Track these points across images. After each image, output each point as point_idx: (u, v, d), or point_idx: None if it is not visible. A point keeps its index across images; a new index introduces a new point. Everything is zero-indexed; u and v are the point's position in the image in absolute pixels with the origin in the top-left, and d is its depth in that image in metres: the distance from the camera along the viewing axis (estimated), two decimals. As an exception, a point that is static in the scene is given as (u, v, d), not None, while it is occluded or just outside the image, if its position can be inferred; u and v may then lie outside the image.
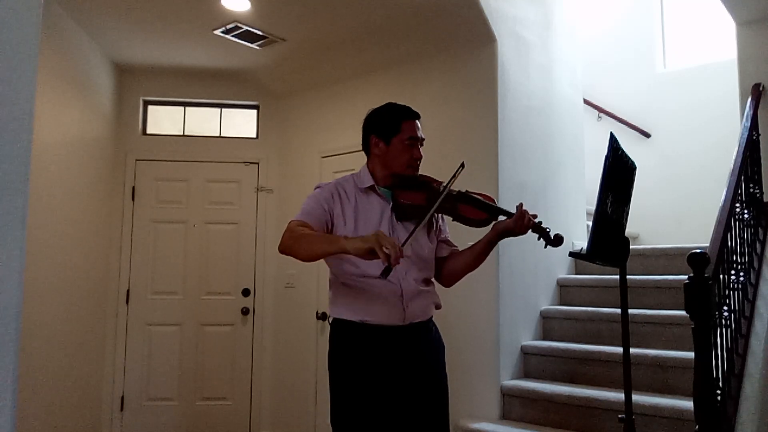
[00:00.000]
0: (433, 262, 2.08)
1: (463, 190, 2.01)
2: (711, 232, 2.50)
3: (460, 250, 2.12)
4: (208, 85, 4.45)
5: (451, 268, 2.10)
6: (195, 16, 3.48)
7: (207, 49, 3.94)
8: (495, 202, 2.04)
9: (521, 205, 1.95)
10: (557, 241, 1.95)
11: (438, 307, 2.08)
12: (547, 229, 1.96)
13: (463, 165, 1.93)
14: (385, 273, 1.61)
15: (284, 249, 1.83)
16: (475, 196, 2.02)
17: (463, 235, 2.20)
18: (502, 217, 1.99)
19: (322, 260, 1.88)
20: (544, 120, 3.83)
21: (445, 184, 1.94)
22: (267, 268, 4.41)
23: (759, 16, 3.61)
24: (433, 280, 2.10)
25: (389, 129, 2.01)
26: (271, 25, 3.57)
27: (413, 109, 2.07)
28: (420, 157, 2.03)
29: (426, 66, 3.69)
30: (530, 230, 1.95)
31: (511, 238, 2.01)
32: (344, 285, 1.97)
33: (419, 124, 2.04)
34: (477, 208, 2.00)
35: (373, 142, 2.03)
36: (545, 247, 1.97)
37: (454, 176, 1.91)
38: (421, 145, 2.04)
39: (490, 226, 2.00)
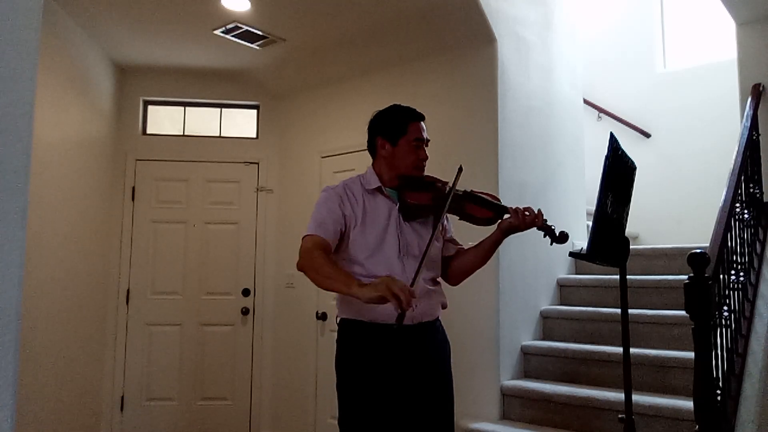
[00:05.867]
0: (439, 261, 2.09)
1: (468, 190, 2.04)
2: (711, 232, 2.50)
3: (465, 248, 2.13)
4: (208, 85, 4.45)
5: (458, 266, 2.12)
6: (195, 16, 3.48)
7: (207, 49, 3.94)
8: (500, 201, 2.06)
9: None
10: (562, 238, 1.95)
11: (444, 306, 2.09)
12: (552, 227, 1.97)
13: (461, 168, 1.97)
14: (400, 319, 1.61)
15: (302, 270, 1.85)
16: (481, 195, 2.04)
17: (463, 234, 2.21)
18: (506, 215, 2.00)
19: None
20: (544, 120, 3.83)
21: (450, 185, 1.96)
22: (267, 268, 4.41)
23: (759, 16, 3.61)
24: (439, 279, 2.10)
25: (396, 130, 2.03)
26: (271, 25, 3.57)
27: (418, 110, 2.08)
28: (426, 158, 2.06)
29: (426, 66, 3.69)
30: (536, 228, 1.96)
31: (512, 239, 2.02)
32: None
33: (424, 125, 2.07)
34: (483, 207, 2.02)
35: (380, 144, 2.05)
36: (551, 244, 1.98)
37: (456, 179, 1.95)
38: (426, 145, 2.06)
39: (496, 224, 2.02)
